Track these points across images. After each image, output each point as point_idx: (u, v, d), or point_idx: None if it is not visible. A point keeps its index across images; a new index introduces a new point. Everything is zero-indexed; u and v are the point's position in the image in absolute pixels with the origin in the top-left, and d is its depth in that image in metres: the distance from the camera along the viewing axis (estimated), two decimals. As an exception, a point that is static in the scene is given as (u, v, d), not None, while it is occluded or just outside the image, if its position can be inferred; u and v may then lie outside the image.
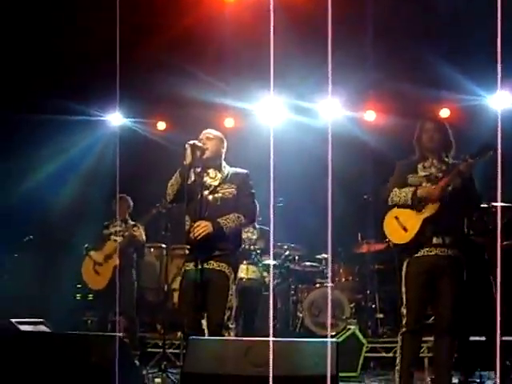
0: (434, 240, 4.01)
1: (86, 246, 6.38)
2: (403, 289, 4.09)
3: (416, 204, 4.03)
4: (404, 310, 4.04)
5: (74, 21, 6.41)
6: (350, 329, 5.82)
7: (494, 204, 4.78)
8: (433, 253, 4.02)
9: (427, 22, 6.68)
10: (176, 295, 6.20)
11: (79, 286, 6.90)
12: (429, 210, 4.02)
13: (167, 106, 8.31)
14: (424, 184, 4.09)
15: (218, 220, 4.02)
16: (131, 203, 6.50)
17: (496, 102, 7.33)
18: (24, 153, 7.69)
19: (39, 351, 3.40)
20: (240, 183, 4.19)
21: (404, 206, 4.08)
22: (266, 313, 6.65)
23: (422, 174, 4.14)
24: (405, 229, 4.09)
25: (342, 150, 6.02)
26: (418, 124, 4.28)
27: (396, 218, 4.14)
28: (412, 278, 4.05)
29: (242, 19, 6.42)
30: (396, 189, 4.12)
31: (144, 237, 6.30)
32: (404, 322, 4.03)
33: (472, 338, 4.78)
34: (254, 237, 6.77)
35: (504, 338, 4.65)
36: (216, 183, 4.17)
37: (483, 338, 4.75)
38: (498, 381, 4.27)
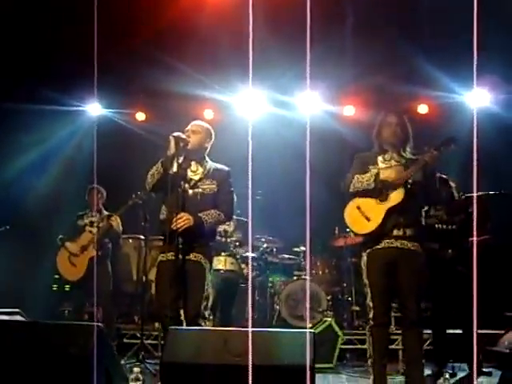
0: (395, 232, 4.02)
1: (61, 236, 6.35)
2: (366, 281, 4.10)
3: (379, 188, 4.01)
4: (370, 303, 4.05)
5: (53, 10, 6.34)
6: (326, 321, 5.89)
7: (468, 195, 4.87)
8: (394, 245, 4.02)
9: (406, 17, 6.73)
10: (153, 286, 6.21)
11: (56, 276, 6.86)
12: (393, 200, 4.01)
13: (147, 97, 8.27)
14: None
15: (200, 214, 4.07)
16: (104, 193, 6.49)
17: (472, 100, 7.45)
18: (1, 143, 7.60)
19: (16, 341, 3.38)
20: (221, 180, 4.24)
21: (366, 192, 4.05)
22: (243, 304, 6.70)
23: (382, 165, 4.14)
24: (367, 218, 4.07)
25: (321, 143, 6.06)
26: (378, 117, 4.30)
27: (358, 207, 4.12)
28: (374, 271, 4.06)
29: (222, 11, 6.42)
30: (357, 175, 4.11)
31: (120, 227, 6.29)
32: (371, 315, 4.05)
33: (449, 331, 4.88)
34: (231, 229, 6.79)
35: (480, 331, 4.77)
36: (197, 178, 4.20)
37: (459, 331, 4.84)
38: (475, 374, 4.37)
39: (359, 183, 4.08)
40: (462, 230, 4.64)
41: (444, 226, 4.74)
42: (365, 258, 4.13)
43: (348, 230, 4.32)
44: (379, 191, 4.04)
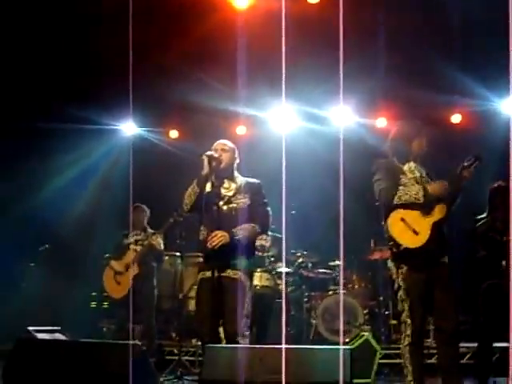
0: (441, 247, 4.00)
1: (107, 255, 6.45)
2: (403, 297, 3.99)
3: (427, 203, 3.95)
4: (408, 320, 3.95)
5: (88, 30, 6.49)
6: (363, 335, 5.82)
7: None
8: (430, 259, 3.97)
9: (438, 28, 6.69)
10: (191, 303, 6.25)
11: (94, 293, 6.96)
12: (437, 214, 3.96)
13: (179, 115, 8.38)
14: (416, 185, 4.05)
15: (234, 230, 4.09)
16: (148, 212, 6.57)
17: (508, 107, 7.35)
18: (40, 162, 7.78)
19: (57, 359, 3.45)
20: (253, 193, 4.26)
21: (413, 205, 3.97)
22: (279, 320, 6.68)
23: (410, 175, 4.08)
24: (415, 232, 3.95)
25: (354, 156, 6.02)
26: (408, 126, 4.23)
27: (402, 219, 3.98)
28: (414, 286, 3.96)
29: (254, 26, 6.48)
30: (402, 187, 4.01)
31: (162, 245, 6.36)
32: (409, 331, 3.95)
33: (496, 344, 4.77)
34: (267, 244, 6.81)
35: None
36: (230, 194, 4.24)
37: (506, 344, 4.73)
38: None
39: (406, 195, 3.99)
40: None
41: (497, 236, 4.64)
42: (403, 272, 4.02)
43: (392, 242, 4.10)
44: (427, 206, 3.98)
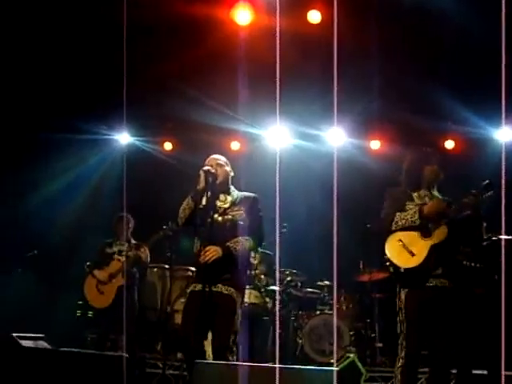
0: (437, 270, 3.99)
1: (88, 263, 6.41)
2: (401, 318, 4.02)
3: (424, 223, 3.98)
4: (403, 342, 3.97)
5: (83, 40, 6.51)
6: (349, 357, 5.82)
7: (501, 237, 4.81)
8: (433, 283, 3.98)
9: (433, 53, 6.76)
10: (177, 316, 6.21)
11: (80, 302, 6.91)
12: (437, 237, 3.99)
13: (174, 128, 8.39)
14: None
15: (227, 244, 4.08)
16: (133, 222, 6.55)
17: (501, 135, 7.42)
18: (30, 170, 7.75)
19: (42, 367, 3.41)
20: (249, 206, 4.26)
21: (410, 228, 4.01)
22: (265, 337, 6.65)
23: (418, 202, 4.13)
24: (411, 253, 4.00)
25: (347, 177, 6.07)
26: (415, 154, 4.31)
27: (400, 241, 4.05)
28: (412, 310, 3.98)
29: (249, 45, 6.52)
30: (398, 213, 4.06)
31: (149, 258, 6.35)
32: (403, 354, 3.96)
33: (474, 372, 4.76)
34: (256, 261, 6.80)
35: (507, 373, 4.66)
36: (226, 206, 4.24)
37: (485, 372, 4.74)
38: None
39: (403, 220, 4.04)
40: (489, 268, 4.55)
41: (472, 264, 4.66)
42: (403, 295, 4.05)
43: (388, 263, 4.14)
44: (425, 226, 4.01)
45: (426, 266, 3.96)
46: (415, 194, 4.18)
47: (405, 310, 4.01)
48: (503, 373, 3.05)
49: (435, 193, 4.22)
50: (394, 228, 4.07)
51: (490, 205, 4.60)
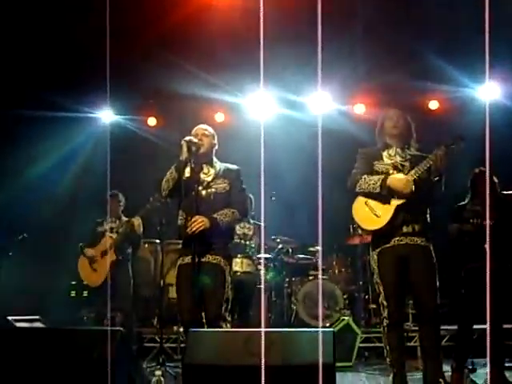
0: (404, 229, 4.01)
1: (81, 244, 6.41)
2: (378, 280, 4.08)
3: (385, 193, 4.00)
4: (384, 302, 4.03)
5: (64, 17, 6.40)
6: (343, 319, 5.90)
7: (506, 192, 4.84)
8: (403, 242, 4.02)
9: (415, 14, 6.72)
10: (171, 290, 6.25)
11: (73, 282, 6.91)
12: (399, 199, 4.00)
13: (158, 102, 8.33)
14: (391, 171, 4.09)
15: (214, 215, 4.08)
16: (123, 200, 6.55)
17: (484, 93, 7.43)
18: (15, 150, 7.68)
19: (37, 347, 3.42)
20: (232, 179, 4.26)
21: (371, 194, 4.04)
22: (260, 305, 6.72)
23: (388, 161, 4.15)
24: (376, 215, 4.05)
25: (333, 143, 6.05)
26: (380, 113, 4.34)
27: (366, 203, 4.10)
28: (385, 269, 4.03)
29: (232, 13, 6.44)
30: (365, 176, 4.09)
31: (141, 229, 6.35)
32: (386, 313, 4.03)
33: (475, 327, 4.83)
34: (251, 232, 6.85)
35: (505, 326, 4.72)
36: (209, 179, 4.23)
37: (486, 326, 4.79)
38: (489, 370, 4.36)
39: (366, 184, 4.07)
40: (498, 225, 4.54)
41: (480, 221, 4.69)
42: (375, 256, 4.12)
43: (355, 226, 4.24)
44: (384, 197, 4.03)
45: (392, 226, 4.00)
46: (385, 153, 4.19)
47: (378, 271, 4.08)
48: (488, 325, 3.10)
49: (411, 151, 4.21)
50: (357, 189, 4.11)
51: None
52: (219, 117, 8.35)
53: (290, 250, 7.17)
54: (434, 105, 8.05)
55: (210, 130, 4.39)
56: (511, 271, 4.35)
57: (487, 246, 4.38)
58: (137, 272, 6.65)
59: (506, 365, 4.84)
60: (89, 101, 7.87)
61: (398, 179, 4.02)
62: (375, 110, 7.86)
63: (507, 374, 4.70)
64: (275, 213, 6.57)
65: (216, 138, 4.41)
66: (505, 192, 4.89)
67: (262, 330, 3.00)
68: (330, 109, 7.97)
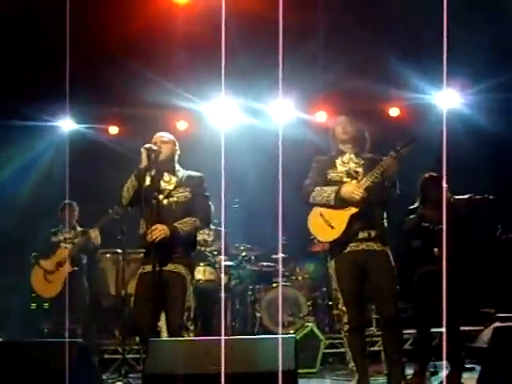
0: (360, 235, 4.05)
1: (34, 254, 6.31)
2: (336, 287, 4.11)
3: (338, 205, 4.02)
4: (344, 308, 4.06)
5: (23, 24, 6.30)
6: (307, 326, 5.91)
7: (457, 197, 4.90)
8: (360, 248, 4.06)
9: (376, 21, 6.81)
10: (133, 300, 6.16)
11: (34, 294, 6.77)
12: (354, 208, 4.02)
13: (119, 111, 8.24)
14: (345, 179, 4.12)
15: (175, 224, 4.04)
16: (77, 209, 6.47)
17: (442, 101, 7.57)
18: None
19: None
20: (194, 186, 4.23)
21: (326, 206, 4.06)
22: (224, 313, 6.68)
23: (341, 169, 4.17)
24: (331, 226, 4.07)
25: (295, 151, 6.10)
26: (331, 122, 4.40)
27: (321, 215, 4.12)
28: (343, 276, 4.07)
29: (194, 21, 6.43)
30: (318, 188, 4.11)
31: (99, 240, 6.27)
32: (346, 319, 4.06)
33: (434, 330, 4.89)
34: (210, 239, 6.81)
35: (462, 328, 4.79)
36: (171, 187, 4.20)
37: (443, 330, 4.86)
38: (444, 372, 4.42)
39: (319, 197, 4.10)
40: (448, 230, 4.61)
41: (429, 225, 4.74)
42: (333, 264, 4.15)
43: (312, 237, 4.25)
44: (338, 207, 4.05)
45: (345, 235, 4.03)
46: (338, 161, 4.21)
47: (336, 278, 4.12)
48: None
49: (364, 155, 4.24)
50: (311, 201, 4.14)
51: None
52: (181, 125, 8.31)
53: (253, 258, 7.16)
54: (394, 111, 8.17)
55: (170, 136, 4.35)
56: (459, 275, 4.41)
57: (436, 250, 4.47)
58: (98, 282, 6.57)
59: (467, 366, 4.91)
60: (49, 109, 7.74)
61: (349, 189, 4.03)
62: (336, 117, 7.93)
63: (468, 375, 4.76)
64: (238, 220, 6.56)
65: (177, 144, 4.38)
66: (457, 197, 4.97)
67: (222, 337, 2.99)
68: (291, 116, 8.00)
